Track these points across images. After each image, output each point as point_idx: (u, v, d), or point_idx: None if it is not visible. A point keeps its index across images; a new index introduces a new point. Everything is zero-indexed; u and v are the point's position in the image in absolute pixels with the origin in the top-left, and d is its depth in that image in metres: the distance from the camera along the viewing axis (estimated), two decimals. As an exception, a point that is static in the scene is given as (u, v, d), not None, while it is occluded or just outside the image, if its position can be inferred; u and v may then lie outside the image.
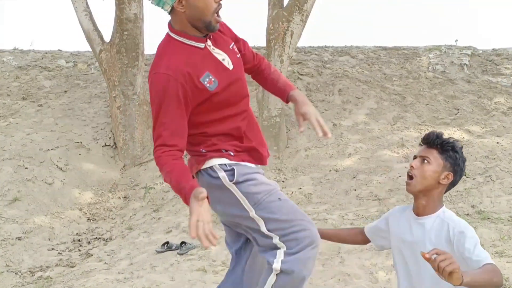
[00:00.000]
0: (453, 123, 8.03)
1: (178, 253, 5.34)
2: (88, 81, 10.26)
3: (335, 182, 6.89)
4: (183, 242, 5.48)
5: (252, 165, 2.43)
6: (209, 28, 2.22)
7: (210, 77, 2.25)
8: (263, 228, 2.27)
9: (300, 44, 8.97)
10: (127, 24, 8.08)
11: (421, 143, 2.32)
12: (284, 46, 7.71)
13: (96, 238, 6.19)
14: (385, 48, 10.64)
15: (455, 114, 8.32)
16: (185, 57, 2.23)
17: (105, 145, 8.30)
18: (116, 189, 7.51)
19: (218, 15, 2.21)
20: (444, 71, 9.65)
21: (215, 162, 2.35)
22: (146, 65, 10.01)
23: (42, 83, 10.14)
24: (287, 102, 2.53)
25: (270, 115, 7.76)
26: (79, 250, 5.84)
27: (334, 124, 8.14)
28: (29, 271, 5.30)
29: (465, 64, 9.88)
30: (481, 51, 10.43)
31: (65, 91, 9.87)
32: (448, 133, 7.65)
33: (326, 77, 9.27)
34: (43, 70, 10.55)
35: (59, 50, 11.58)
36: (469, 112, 8.36)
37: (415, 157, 2.31)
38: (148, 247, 5.66)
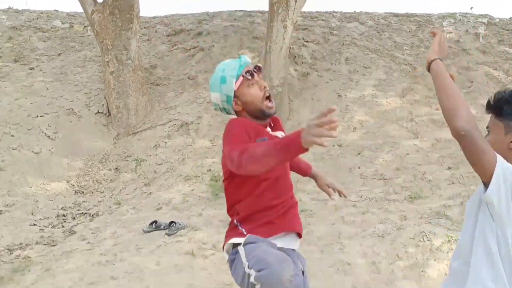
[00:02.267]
0: (466, 97, 7.53)
1: (166, 234, 4.98)
2: (83, 43, 9.77)
3: (338, 159, 6.48)
4: (172, 222, 5.12)
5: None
6: (265, 113, 2.42)
7: (266, 139, 2.37)
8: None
9: (307, 8, 8.44)
10: (121, -17, 7.54)
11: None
12: (288, 10, 7.18)
13: (82, 213, 5.82)
14: (396, 15, 10.05)
15: (469, 87, 7.83)
16: (251, 122, 2.42)
17: (98, 112, 7.87)
18: (107, 159, 7.11)
19: (269, 100, 2.42)
20: (458, 41, 9.09)
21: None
22: (142, 28, 9.49)
23: (35, 44, 9.66)
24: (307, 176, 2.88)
25: (272, 84, 7.28)
26: (63, 227, 5.47)
27: (339, 95, 7.66)
28: (7, 249, 4.94)
29: (481, 33, 9.31)
30: (497, 20, 9.83)
31: (59, 54, 9.40)
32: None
33: (333, 44, 8.75)
34: (37, 31, 10.05)
35: (55, 10, 11.06)
36: (484, 85, 7.86)
37: None
38: (135, 225, 5.29)
